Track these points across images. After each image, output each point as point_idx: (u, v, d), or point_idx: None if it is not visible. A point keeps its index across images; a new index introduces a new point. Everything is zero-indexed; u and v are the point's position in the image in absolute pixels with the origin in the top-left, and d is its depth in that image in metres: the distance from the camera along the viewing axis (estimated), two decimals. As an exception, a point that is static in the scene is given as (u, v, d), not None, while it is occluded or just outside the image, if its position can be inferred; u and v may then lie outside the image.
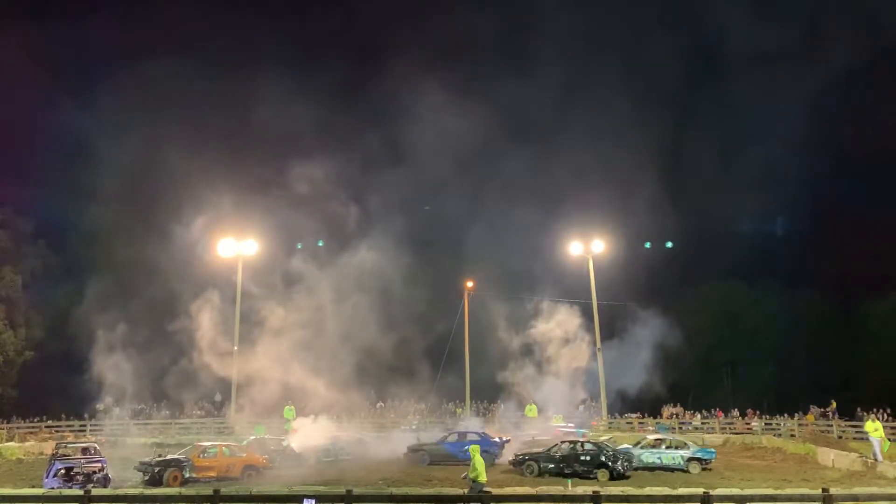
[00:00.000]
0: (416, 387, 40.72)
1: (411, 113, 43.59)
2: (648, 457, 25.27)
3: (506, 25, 71.84)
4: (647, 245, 42.55)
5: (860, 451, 26.54)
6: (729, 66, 67.94)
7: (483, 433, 28.23)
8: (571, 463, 23.50)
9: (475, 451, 16.87)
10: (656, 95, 57.59)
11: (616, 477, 22.74)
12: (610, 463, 23.09)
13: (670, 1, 70.16)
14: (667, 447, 25.47)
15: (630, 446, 26.06)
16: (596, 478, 22.67)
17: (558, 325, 38.42)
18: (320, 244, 39.87)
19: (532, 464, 23.93)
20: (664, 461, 25.06)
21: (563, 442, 24.89)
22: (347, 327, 35.56)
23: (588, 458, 23.44)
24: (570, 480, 21.28)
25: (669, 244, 42.51)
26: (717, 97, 67.68)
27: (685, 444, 25.74)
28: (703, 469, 24.64)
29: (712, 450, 26.17)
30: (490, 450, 25.88)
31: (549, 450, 24.47)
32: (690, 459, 24.86)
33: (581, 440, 25.12)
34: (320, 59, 72.03)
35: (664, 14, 68.74)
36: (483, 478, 16.42)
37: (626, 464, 23.48)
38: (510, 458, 25.20)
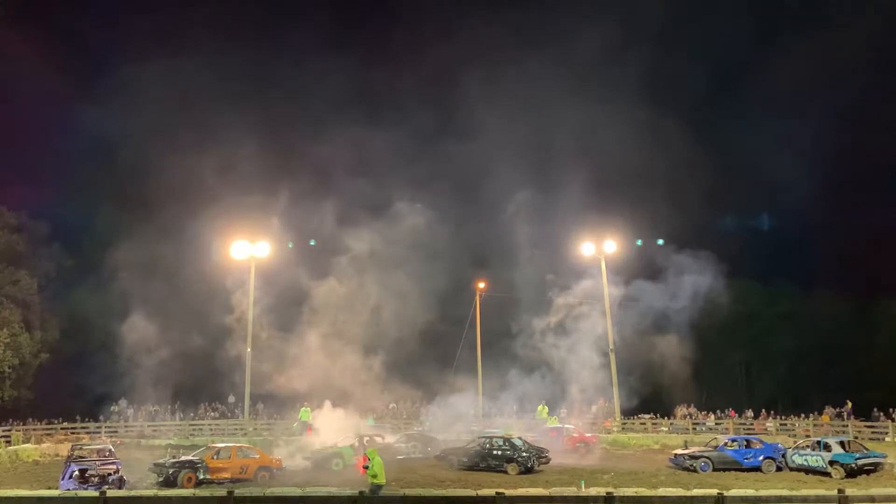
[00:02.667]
0: (428, 387, 40.77)
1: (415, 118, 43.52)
2: (798, 458, 24.94)
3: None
4: (660, 241, 42.17)
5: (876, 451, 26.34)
6: (754, 59, 67.04)
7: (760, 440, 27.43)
8: (486, 458, 25.62)
9: (373, 454, 16.96)
10: (676, 89, 56.52)
11: (525, 471, 24.44)
12: (518, 458, 24.83)
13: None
14: (814, 449, 24.55)
15: (787, 447, 26.13)
16: (506, 471, 24.70)
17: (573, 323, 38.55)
18: (312, 243, 40.26)
19: (453, 458, 26.41)
20: (809, 463, 24.49)
21: (480, 438, 26.98)
22: (360, 329, 35.71)
23: (499, 453, 25.40)
24: (583, 481, 21.26)
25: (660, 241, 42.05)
26: (737, 90, 67.04)
27: (829, 445, 24.35)
28: (850, 475, 22.90)
29: (862, 453, 24.17)
30: (774, 456, 25.47)
31: (467, 445, 26.75)
32: (832, 462, 23.66)
33: (496, 437, 26.65)
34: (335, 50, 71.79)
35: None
36: (381, 479, 16.37)
37: (533, 459, 24.81)
38: (436, 454, 27.59)
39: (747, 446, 25.92)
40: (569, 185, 42.49)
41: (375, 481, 16.33)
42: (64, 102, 55.10)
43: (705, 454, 25.79)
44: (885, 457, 24.36)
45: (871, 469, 23.53)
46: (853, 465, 23.31)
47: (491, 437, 26.53)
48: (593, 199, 43.21)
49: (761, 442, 26.60)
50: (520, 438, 26.61)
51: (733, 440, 26.70)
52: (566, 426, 34.32)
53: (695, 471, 25.04)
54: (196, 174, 43.67)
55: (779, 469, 24.96)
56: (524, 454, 24.94)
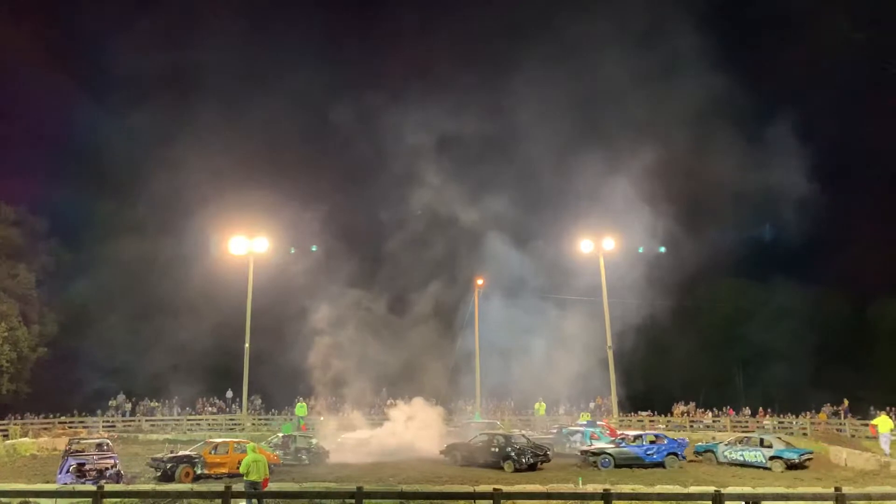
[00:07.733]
0: (426, 385, 40.73)
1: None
2: (731, 453, 25.89)
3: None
4: (662, 249, 42.01)
5: (873, 450, 26.49)
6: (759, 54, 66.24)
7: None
8: (484, 454, 25.46)
9: (250, 449, 17.12)
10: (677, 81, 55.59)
11: (519, 468, 24.31)
12: (514, 455, 24.63)
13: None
14: (753, 445, 25.56)
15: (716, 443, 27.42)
16: (503, 468, 24.60)
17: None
18: (314, 249, 40.38)
19: (456, 453, 26.30)
20: (746, 458, 25.38)
21: (481, 434, 26.84)
22: (359, 330, 35.74)
23: (497, 450, 25.18)
24: (580, 478, 21.37)
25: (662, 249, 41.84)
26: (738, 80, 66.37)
27: (769, 442, 25.46)
28: (789, 468, 24.36)
29: (798, 449, 25.58)
30: (678, 452, 25.84)
31: (469, 442, 26.54)
32: (773, 458, 24.71)
33: (496, 433, 26.63)
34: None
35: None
36: (253, 476, 16.26)
37: (527, 458, 24.65)
38: (441, 448, 27.23)
39: (652, 442, 26.13)
40: (566, 184, 42.38)
41: (247, 478, 16.30)
42: (63, 96, 54.91)
43: (606, 450, 25.96)
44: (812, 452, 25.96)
45: (804, 465, 24.84)
46: (796, 461, 24.58)
47: (494, 435, 26.27)
48: (593, 199, 43.15)
49: (665, 438, 26.87)
50: (523, 436, 26.62)
51: (638, 436, 26.88)
52: (597, 423, 34.32)
53: (596, 467, 25.26)
54: (195, 170, 43.67)
55: (679, 467, 25.40)
56: (520, 452, 24.74)
